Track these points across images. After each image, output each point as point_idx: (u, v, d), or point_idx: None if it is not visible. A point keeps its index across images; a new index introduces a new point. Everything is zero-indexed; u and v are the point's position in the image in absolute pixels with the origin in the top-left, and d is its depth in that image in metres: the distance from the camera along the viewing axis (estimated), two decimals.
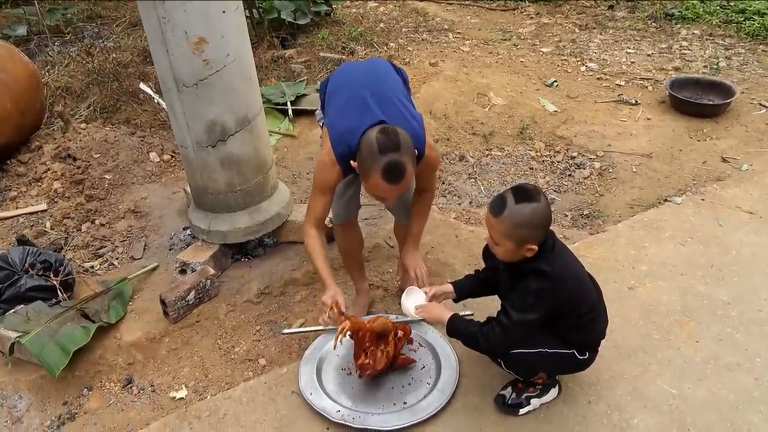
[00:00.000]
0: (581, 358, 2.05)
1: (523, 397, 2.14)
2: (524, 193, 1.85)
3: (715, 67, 5.03)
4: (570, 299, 1.92)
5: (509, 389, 2.18)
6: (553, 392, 2.18)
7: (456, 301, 2.32)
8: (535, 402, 2.14)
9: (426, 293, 2.28)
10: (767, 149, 3.85)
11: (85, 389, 2.48)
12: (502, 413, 2.15)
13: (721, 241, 2.98)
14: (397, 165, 1.94)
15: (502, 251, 1.92)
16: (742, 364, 2.30)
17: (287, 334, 2.55)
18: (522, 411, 2.13)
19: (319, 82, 4.79)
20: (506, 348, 2.00)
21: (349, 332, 2.15)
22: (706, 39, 5.65)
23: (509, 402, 2.15)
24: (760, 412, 2.11)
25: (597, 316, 2.04)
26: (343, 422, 2.11)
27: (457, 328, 2.11)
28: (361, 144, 2.01)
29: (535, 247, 1.86)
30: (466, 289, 2.29)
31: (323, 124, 2.31)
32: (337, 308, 2.16)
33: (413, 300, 2.29)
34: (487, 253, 2.15)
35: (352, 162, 2.08)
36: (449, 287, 2.28)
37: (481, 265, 2.89)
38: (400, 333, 2.31)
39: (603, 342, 2.12)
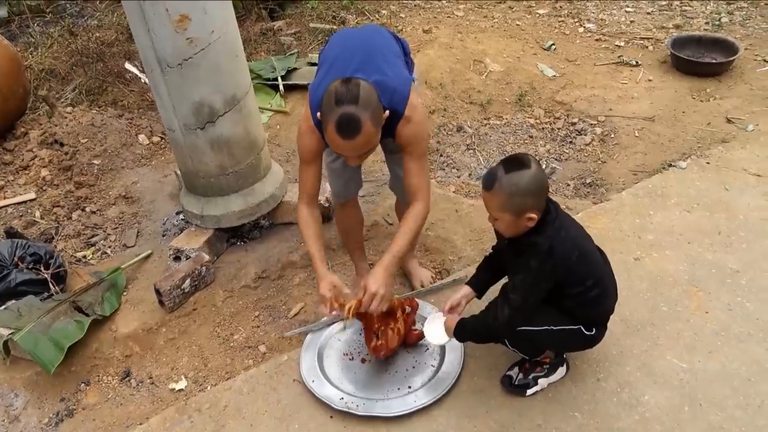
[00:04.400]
0: (588, 333, 1.98)
1: (531, 377, 2.09)
2: (514, 162, 1.80)
3: (717, 23, 4.88)
4: (571, 275, 1.86)
5: (516, 369, 2.13)
6: (561, 371, 2.13)
7: (479, 297, 2.17)
8: (542, 382, 2.10)
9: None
10: None
11: (83, 384, 2.44)
12: (509, 394, 2.10)
13: (728, 206, 2.90)
14: (350, 118, 1.79)
15: (503, 226, 1.86)
16: (754, 334, 2.24)
17: (290, 335, 2.47)
18: (529, 391, 2.09)
19: (310, 55, 4.66)
20: (515, 329, 1.94)
21: (353, 313, 2.03)
22: None
23: (516, 383, 2.10)
24: None
25: (604, 291, 1.97)
26: (347, 410, 2.06)
27: (463, 330, 2.03)
28: (323, 95, 1.88)
29: (535, 216, 1.79)
30: (483, 282, 2.17)
31: None
32: (338, 303, 2.02)
33: (438, 326, 2.12)
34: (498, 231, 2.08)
35: (318, 115, 1.93)
36: (467, 290, 2.15)
37: (483, 241, 2.85)
38: (408, 309, 2.26)
39: (611, 316, 2.06)
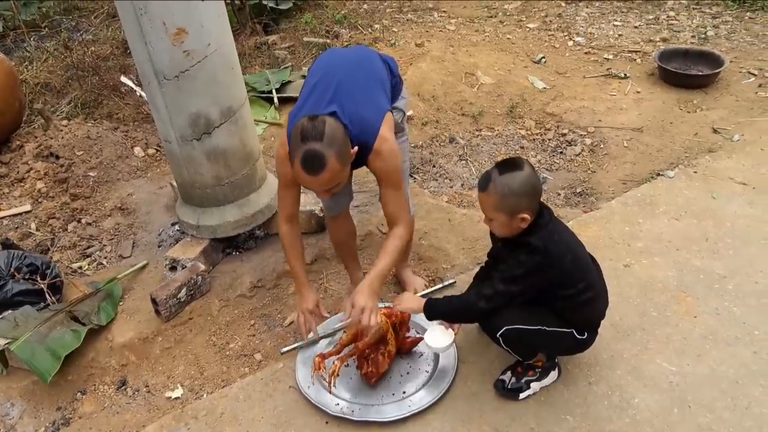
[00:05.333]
0: (580, 337, 2.03)
1: (523, 381, 2.13)
2: (508, 164, 1.88)
3: (703, 36, 4.98)
4: (564, 276, 1.91)
5: (509, 374, 2.16)
6: (553, 375, 2.17)
7: None
8: (535, 386, 2.13)
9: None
10: (757, 118, 3.82)
11: (79, 393, 2.44)
12: (502, 398, 2.13)
13: (714, 213, 2.96)
14: (314, 155, 1.84)
15: (498, 226, 1.93)
16: (741, 337, 2.29)
17: (285, 352, 2.48)
18: (522, 395, 2.12)
19: (304, 68, 4.72)
20: (488, 315, 2.00)
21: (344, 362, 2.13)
22: (693, 8, 5.59)
23: (509, 386, 2.13)
24: (761, 385, 2.10)
25: (596, 295, 2.02)
26: (342, 416, 2.09)
27: (435, 309, 2.08)
28: (292, 130, 1.94)
29: (528, 217, 1.85)
30: None
31: None
32: (321, 364, 2.15)
33: (437, 337, 2.15)
34: (492, 234, 2.13)
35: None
36: None
37: (476, 249, 2.89)
38: (398, 322, 2.29)
39: (602, 321, 2.10)
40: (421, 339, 2.32)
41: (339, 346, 2.15)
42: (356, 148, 1.98)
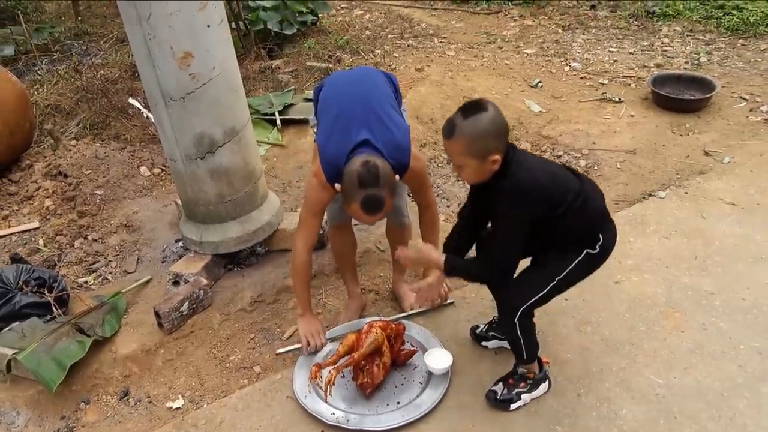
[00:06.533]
0: (594, 252, 1.99)
1: (514, 392, 2.18)
2: (471, 107, 1.83)
3: (696, 62, 5.11)
4: (552, 197, 1.88)
5: (500, 385, 2.22)
6: (544, 387, 2.22)
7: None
8: (525, 397, 2.19)
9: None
10: (748, 141, 3.92)
11: (83, 403, 2.51)
12: (493, 409, 2.19)
13: (704, 233, 3.03)
14: (375, 199, 2.04)
15: (470, 172, 1.88)
16: (727, 352, 2.35)
17: (282, 353, 2.56)
18: (513, 406, 2.18)
19: (306, 92, 4.84)
20: (505, 275, 1.99)
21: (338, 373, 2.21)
22: (687, 35, 5.74)
23: (500, 398, 2.19)
24: (745, 398, 2.16)
25: (586, 197, 1.95)
26: (338, 425, 2.15)
27: (455, 268, 2.07)
28: (344, 173, 2.08)
29: (499, 158, 1.82)
30: (460, 251, 2.20)
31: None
32: (317, 372, 2.23)
33: (436, 358, 2.30)
34: (471, 196, 2.17)
35: (337, 186, 2.14)
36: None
37: None
38: (393, 335, 2.36)
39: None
40: (416, 351, 2.40)
41: (335, 357, 2.22)
42: (398, 176, 2.15)
